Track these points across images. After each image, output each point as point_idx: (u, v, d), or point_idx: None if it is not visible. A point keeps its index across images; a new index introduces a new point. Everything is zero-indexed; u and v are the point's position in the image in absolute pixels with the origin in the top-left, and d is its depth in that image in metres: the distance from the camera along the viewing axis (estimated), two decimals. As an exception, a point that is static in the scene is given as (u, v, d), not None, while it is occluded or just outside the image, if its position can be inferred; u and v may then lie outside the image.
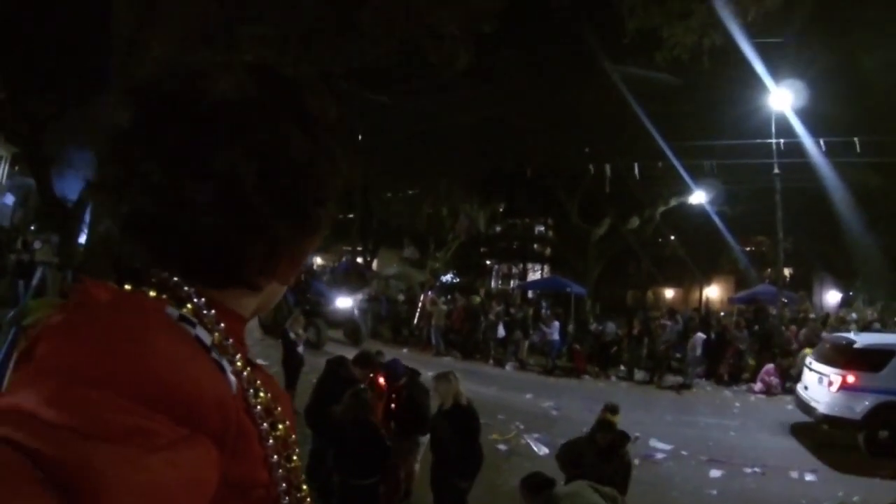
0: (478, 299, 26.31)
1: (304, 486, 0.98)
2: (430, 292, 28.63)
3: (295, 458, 0.97)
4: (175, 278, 0.88)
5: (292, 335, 12.08)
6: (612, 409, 7.74)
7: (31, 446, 0.60)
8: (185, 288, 0.88)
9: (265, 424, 0.90)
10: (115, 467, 0.63)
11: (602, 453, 6.98)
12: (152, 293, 0.87)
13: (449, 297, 28.98)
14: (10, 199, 49.83)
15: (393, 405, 8.52)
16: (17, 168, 47.06)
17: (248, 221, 0.87)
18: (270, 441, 0.90)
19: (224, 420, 0.78)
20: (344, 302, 22.13)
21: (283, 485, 0.92)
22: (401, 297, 28.09)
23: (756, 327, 21.88)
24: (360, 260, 43.51)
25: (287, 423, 0.95)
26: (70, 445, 0.62)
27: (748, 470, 10.95)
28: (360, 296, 24.59)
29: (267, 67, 0.96)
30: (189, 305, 0.87)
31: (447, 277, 40.02)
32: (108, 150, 0.89)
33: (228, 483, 0.79)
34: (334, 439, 7.09)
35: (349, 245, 44.35)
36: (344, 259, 44.81)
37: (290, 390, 10.62)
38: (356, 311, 22.43)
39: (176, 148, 0.85)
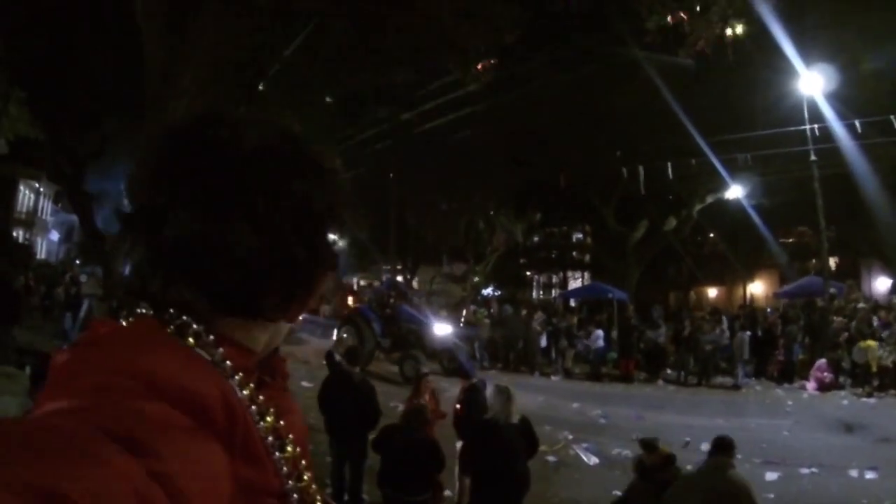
0: (511, 309, 26.04)
1: None
2: (471, 306, 28.60)
3: (306, 478, 1.00)
4: (183, 316, 0.93)
5: (337, 357, 11.91)
6: (647, 445, 7.28)
7: (93, 422, 0.69)
8: (195, 326, 0.92)
9: (270, 438, 0.94)
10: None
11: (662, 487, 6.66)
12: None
13: (491, 310, 28.86)
14: (55, 236, 51.35)
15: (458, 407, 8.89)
16: (59, 205, 48.29)
17: (279, 261, 0.94)
18: (277, 454, 0.94)
19: (230, 419, 0.84)
20: (442, 329, 20.28)
21: (295, 496, 0.97)
22: (443, 314, 27.86)
23: (802, 322, 21.33)
24: (399, 278, 43.71)
25: (297, 446, 0.99)
26: (118, 415, 0.71)
27: (804, 470, 10.61)
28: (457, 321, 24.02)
29: (280, 122, 1.05)
30: (191, 338, 0.92)
31: (488, 291, 39.92)
32: (149, 182, 0.96)
33: (240, 484, 0.83)
34: (392, 455, 7.14)
35: (388, 264, 44.62)
36: (385, 278, 45.08)
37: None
38: (455, 340, 20.55)
39: (219, 187, 0.91)
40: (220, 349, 0.92)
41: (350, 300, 29.99)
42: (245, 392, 0.92)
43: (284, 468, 0.95)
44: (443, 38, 14.65)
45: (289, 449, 0.96)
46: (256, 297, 0.94)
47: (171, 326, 0.91)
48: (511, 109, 28.36)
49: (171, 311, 0.92)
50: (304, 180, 0.97)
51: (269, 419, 0.94)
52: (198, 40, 9.73)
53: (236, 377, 0.92)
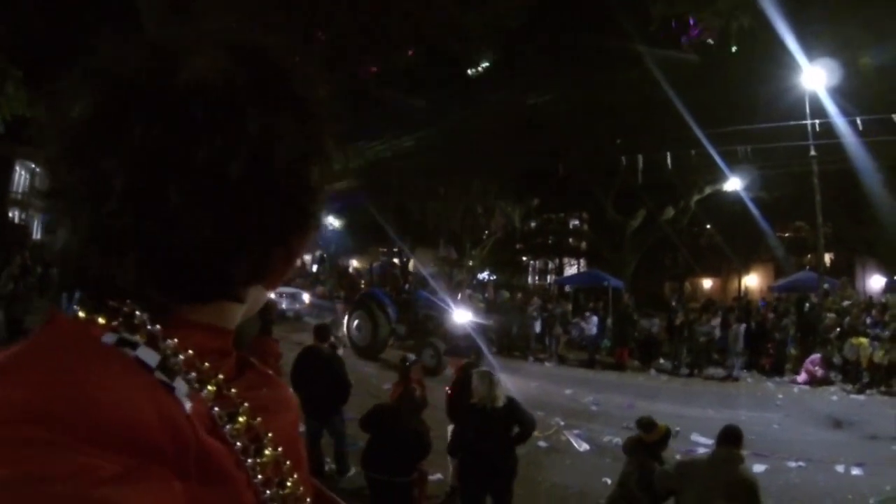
0: (507, 295, 26.10)
1: None
2: (467, 290, 28.64)
3: (290, 483, 0.88)
4: (127, 303, 0.76)
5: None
6: (647, 425, 7.26)
7: None
8: (138, 313, 0.76)
9: (240, 445, 0.79)
10: None
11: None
12: (101, 320, 0.76)
13: (486, 294, 28.92)
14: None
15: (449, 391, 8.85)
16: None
17: (236, 227, 0.76)
18: (249, 461, 0.80)
19: (176, 441, 0.68)
20: (462, 315, 18.50)
21: None
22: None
23: (794, 316, 21.39)
24: (395, 261, 43.67)
25: (279, 447, 0.86)
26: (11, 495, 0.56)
27: (792, 464, 10.67)
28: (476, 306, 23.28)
29: (252, 46, 0.83)
30: (135, 333, 0.75)
31: (484, 275, 39.93)
32: (63, 149, 0.76)
33: None
34: (379, 437, 7.12)
35: (384, 247, 44.56)
36: (380, 260, 45.05)
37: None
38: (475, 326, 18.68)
39: (145, 142, 0.71)
40: (171, 340, 0.77)
41: (362, 283, 27.68)
42: (209, 389, 0.79)
43: (259, 476, 0.81)
44: (446, 23, 14.62)
45: (267, 452, 0.84)
46: (221, 277, 0.78)
47: (109, 321, 0.76)
48: (512, 96, 28.37)
49: (111, 301, 0.77)
50: (263, 117, 0.76)
51: (240, 419, 0.81)
52: (199, 22, 9.70)
53: (192, 374, 0.78)
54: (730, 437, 6.13)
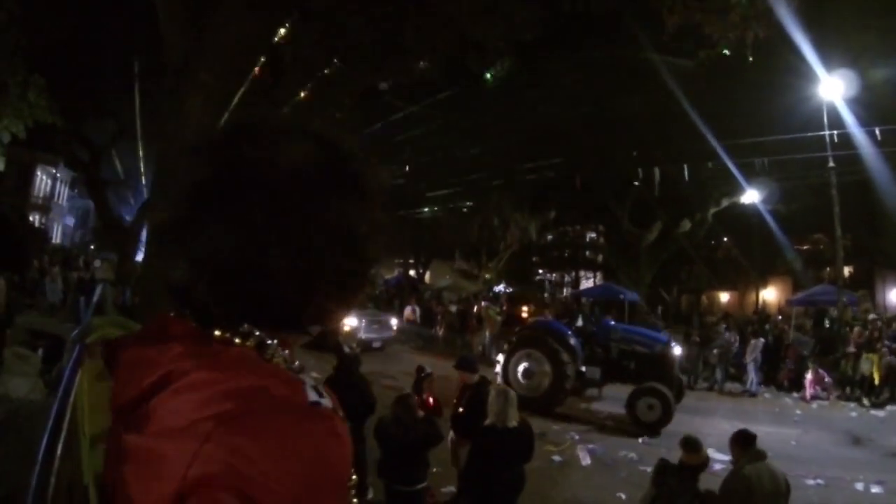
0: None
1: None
2: (483, 302, 28.55)
3: (353, 477, 1.03)
4: (255, 330, 0.96)
5: (346, 349, 11.72)
6: (692, 445, 6.28)
7: None
8: (269, 342, 0.97)
9: None
10: None
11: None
12: (237, 340, 0.95)
13: (503, 307, 28.80)
14: (70, 221, 52.00)
15: (461, 409, 8.63)
16: (75, 190, 49.02)
17: (314, 284, 0.95)
18: None
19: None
20: (675, 351, 15.47)
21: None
22: (453, 308, 27.69)
23: (811, 331, 21.15)
24: (412, 273, 43.77)
25: None
26: None
27: (810, 482, 10.42)
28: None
29: (328, 137, 1.02)
30: (277, 356, 0.97)
31: (499, 288, 39.88)
32: (185, 195, 0.96)
33: None
34: (386, 446, 7.20)
35: (401, 258, 44.67)
36: (396, 272, 45.22)
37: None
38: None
39: (254, 207, 0.91)
40: (296, 363, 1.01)
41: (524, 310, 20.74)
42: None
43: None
44: (461, 36, 14.60)
45: None
46: (295, 316, 0.97)
47: (281, 357, 0.98)
48: (528, 108, 28.37)
49: (244, 326, 0.95)
50: (342, 202, 0.96)
51: None
52: (216, 35, 9.75)
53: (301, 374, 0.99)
54: (753, 441, 6.08)
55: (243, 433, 0.79)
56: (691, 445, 6.23)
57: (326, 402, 0.93)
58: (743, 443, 6.16)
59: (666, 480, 6.20)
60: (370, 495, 9.01)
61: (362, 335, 20.31)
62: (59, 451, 1.14)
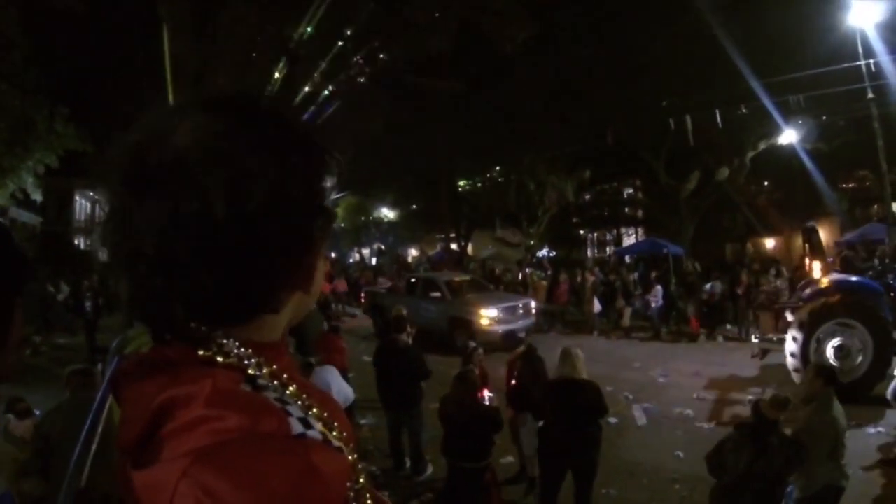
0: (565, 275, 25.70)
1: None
2: (527, 269, 28.45)
3: (362, 479, 1.01)
4: (217, 333, 0.91)
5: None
6: (782, 404, 5.82)
7: None
8: (226, 341, 0.92)
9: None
10: None
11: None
12: (220, 359, 0.90)
13: (549, 272, 28.60)
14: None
15: (513, 381, 8.79)
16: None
17: (239, 257, 0.87)
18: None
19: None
20: None
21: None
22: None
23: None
24: (454, 246, 43.77)
25: (351, 447, 0.98)
26: None
27: (871, 430, 10.25)
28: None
29: (224, 100, 0.96)
30: (270, 389, 0.92)
31: (543, 252, 39.64)
32: (109, 224, 0.92)
33: None
34: (449, 424, 7.26)
35: (442, 233, 44.66)
36: (439, 247, 45.25)
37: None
38: None
39: (157, 215, 0.86)
40: (274, 366, 0.94)
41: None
42: (301, 403, 0.94)
43: (348, 483, 0.95)
44: (474, 2, 14.42)
45: (350, 458, 0.96)
46: (244, 297, 0.90)
47: (240, 370, 0.91)
48: (552, 66, 28.01)
49: (216, 342, 0.91)
50: (241, 165, 0.88)
51: (334, 433, 0.94)
52: (224, 38, 9.76)
53: (289, 394, 0.94)
54: (836, 378, 6.20)
55: (215, 470, 0.76)
56: (779, 403, 5.85)
57: (314, 433, 0.88)
58: (827, 378, 6.10)
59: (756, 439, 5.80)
60: (429, 471, 9.07)
61: (499, 328, 17.91)
62: (88, 463, 1.17)
